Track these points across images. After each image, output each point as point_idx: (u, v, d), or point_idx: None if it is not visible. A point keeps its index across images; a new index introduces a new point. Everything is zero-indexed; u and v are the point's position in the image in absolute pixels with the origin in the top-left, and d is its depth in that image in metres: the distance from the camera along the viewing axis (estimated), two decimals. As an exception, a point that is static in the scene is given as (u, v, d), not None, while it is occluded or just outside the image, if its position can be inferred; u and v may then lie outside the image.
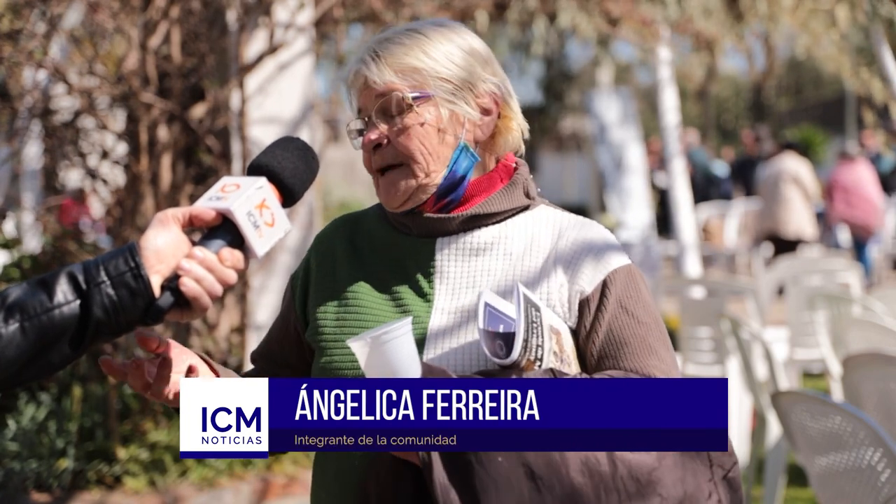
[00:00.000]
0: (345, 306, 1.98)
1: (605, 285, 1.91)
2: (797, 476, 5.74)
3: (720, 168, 18.07)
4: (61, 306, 1.62)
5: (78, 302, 1.63)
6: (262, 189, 1.74)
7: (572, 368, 1.87)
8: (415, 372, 1.74)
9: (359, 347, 1.75)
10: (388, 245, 2.00)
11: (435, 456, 1.73)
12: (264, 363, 2.13)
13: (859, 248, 12.68)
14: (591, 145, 17.78)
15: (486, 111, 1.96)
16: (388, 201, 1.95)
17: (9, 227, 6.40)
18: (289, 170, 1.78)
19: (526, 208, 1.99)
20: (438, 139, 1.92)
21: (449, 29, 1.97)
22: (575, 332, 1.92)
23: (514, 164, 2.01)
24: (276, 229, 1.75)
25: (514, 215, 1.98)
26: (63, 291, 1.63)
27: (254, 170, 1.79)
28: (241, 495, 5.51)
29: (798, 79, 32.35)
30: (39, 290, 1.63)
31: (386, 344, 1.73)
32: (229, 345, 6.14)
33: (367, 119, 1.94)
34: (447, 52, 1.93)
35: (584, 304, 1.91)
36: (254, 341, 6.16)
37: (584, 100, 20.11)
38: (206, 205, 1.71)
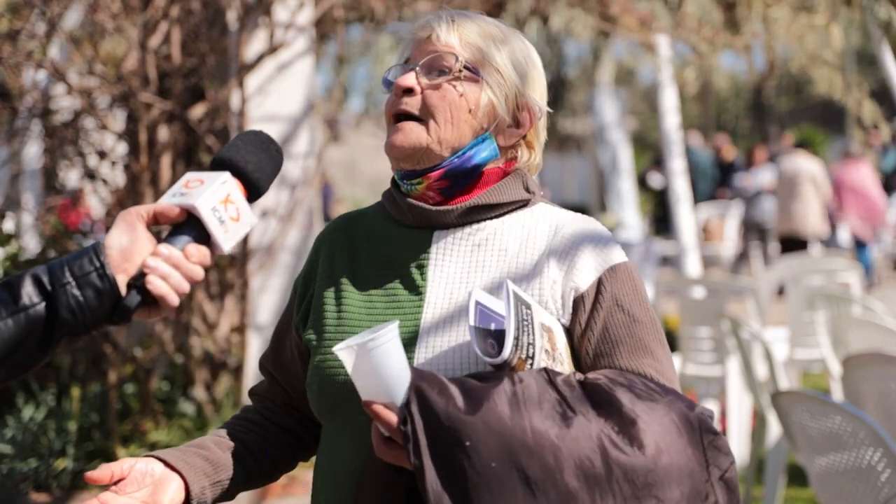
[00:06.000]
0: (340, 303, 1.96)
1: (600, 283, 1.89)
2: (797, 476, 5.73)
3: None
4: (27, 309, 1.61)
5: (43, 304, 1.61)
6: (227, 184, 1.72)
7: (564, 367, 1.84)
8: (405, 378, 1.70)
9: (346, 355, 1.70)
10: (385, 239, 1.98)
11: (427, 462, 1.69)
12: (272, 368, 2.10)
13: (860, 247, 12.68)
14: (591, 145, 17.75)
15: (518, 123, 1.96)
16: (392, 149, 1.93)
17: (9, 226, 6.37)
18: (253, 164, 1.76)
19: (525, 204, 1.98)
20: (466, 117, 1.92)
21: (523, 38, 2.00)
22: (569, 330, 1.90)
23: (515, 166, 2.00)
24: (241, 224, 1.73)
25: (512, 211, 1.97)
26: (28, 294, 1.61)
27: (217, 164, 1.76)
28: (241, 495, 5.49)
29: (799, 79, 32.31)
30: (4, 293, 1.61)
31: (372, 351, 1.68)
32: (229, 345, 6.13)
33: (409, 69, 1.95)
34: (513, 51, 1.95)
35: (578, 301, 1.89)
36: (254, 341, 6.15)
37: (586, 99, 20.06)
38: (170, 201, 1.69)
